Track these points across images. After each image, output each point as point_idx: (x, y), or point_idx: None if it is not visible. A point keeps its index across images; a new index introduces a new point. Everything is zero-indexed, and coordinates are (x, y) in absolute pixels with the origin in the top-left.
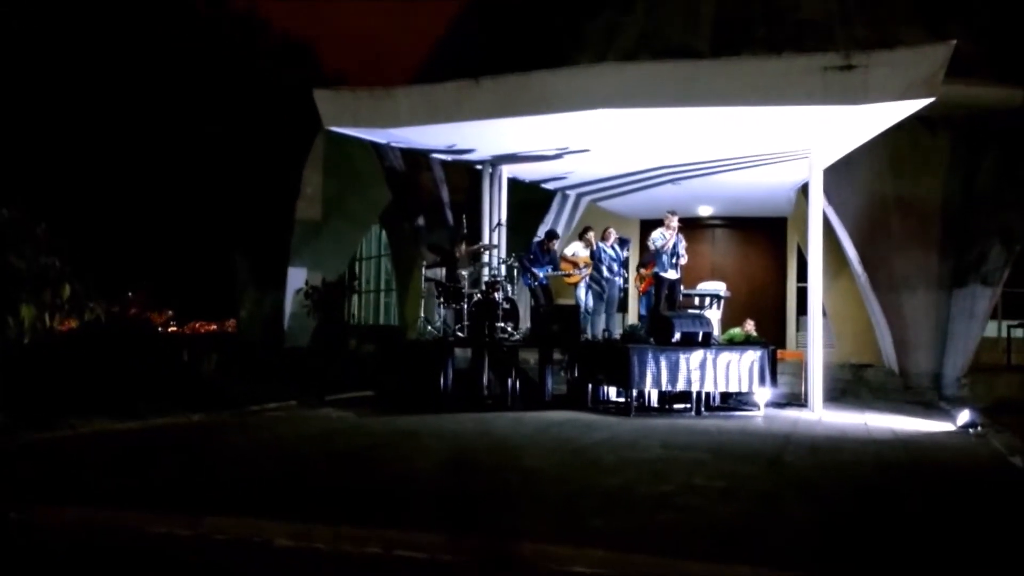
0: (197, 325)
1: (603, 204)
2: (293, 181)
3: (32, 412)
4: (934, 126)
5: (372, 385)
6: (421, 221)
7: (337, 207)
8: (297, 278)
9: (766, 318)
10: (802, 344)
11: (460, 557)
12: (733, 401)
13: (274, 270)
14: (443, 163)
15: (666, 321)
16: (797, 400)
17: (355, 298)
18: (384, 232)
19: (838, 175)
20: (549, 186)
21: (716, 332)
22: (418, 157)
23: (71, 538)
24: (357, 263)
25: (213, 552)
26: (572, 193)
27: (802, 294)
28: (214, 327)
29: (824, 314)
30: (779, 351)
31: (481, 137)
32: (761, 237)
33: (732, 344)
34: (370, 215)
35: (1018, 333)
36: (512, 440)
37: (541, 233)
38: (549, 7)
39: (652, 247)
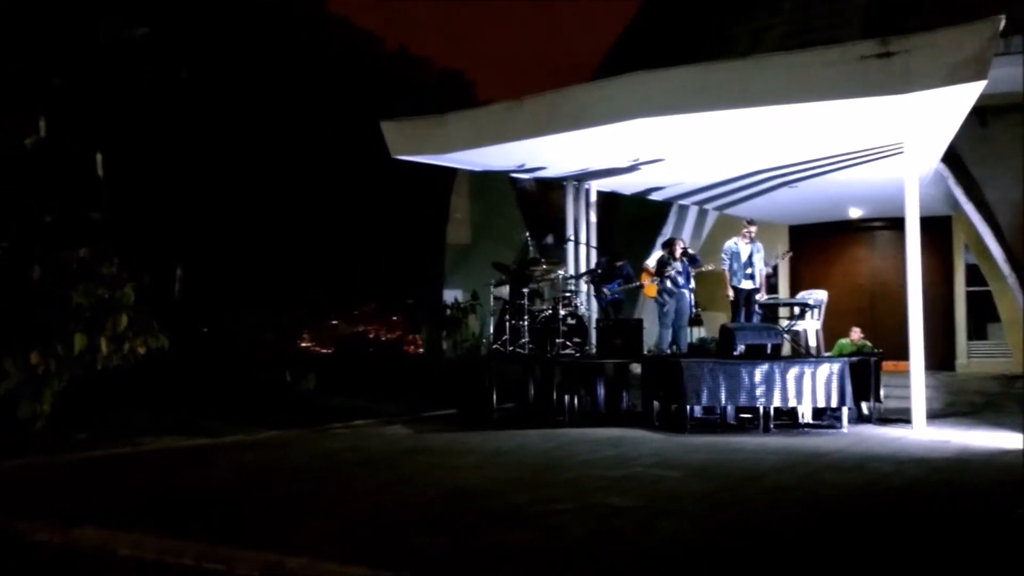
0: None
1: (731, 212)
2: (443, 208)
3: (111, 430)
4: None
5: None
6: (550, 239)
7: (485, 230)
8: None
9: (929, 326)
10: (974, 355)
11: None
12: (827, 418)
13: (432, 292)
14: None
15: (728, 333)
16: None
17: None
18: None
19: (991, 167)
20: (656, 197)
21: (813, 342)
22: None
23: None
24: None
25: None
26: (690, 203)
27: (974, 299)
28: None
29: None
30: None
31: (533, 155)
32: (923, 238)
33: (838, 356)
34: (518, 235)
35: None
36: (506, 456)
37: (658, 245)
38: (708, 14)
39: (723, 256)
